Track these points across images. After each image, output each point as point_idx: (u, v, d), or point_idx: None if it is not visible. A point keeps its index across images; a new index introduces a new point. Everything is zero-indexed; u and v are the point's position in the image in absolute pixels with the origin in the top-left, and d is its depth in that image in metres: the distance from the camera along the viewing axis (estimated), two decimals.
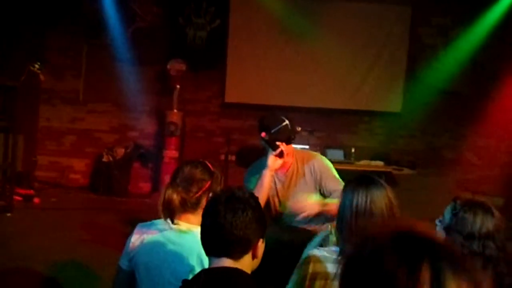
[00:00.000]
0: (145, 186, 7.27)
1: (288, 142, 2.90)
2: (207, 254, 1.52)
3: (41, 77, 5.44)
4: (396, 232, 0.81)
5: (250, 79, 7.20)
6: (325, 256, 1.72)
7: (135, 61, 7.03)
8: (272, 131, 2.87)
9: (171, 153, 6.80)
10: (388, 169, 6.43)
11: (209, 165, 1.99)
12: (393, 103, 7.35)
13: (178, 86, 6.90)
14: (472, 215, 1.77)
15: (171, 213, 1.87)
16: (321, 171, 2.94)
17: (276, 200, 3.02)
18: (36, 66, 5.30)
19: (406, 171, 6.55)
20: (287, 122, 2.90)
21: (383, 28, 7.23)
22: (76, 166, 7.29)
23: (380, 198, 1.69)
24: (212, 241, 1.49)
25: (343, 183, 2.72)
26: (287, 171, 2.98)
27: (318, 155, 3.07)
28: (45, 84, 6.91)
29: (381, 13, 7.22)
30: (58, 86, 7.25)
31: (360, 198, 1.70)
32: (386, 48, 7.24)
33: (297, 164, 2.99)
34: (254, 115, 7.31)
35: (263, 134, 2.89)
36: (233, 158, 6.97)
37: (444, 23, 7.24)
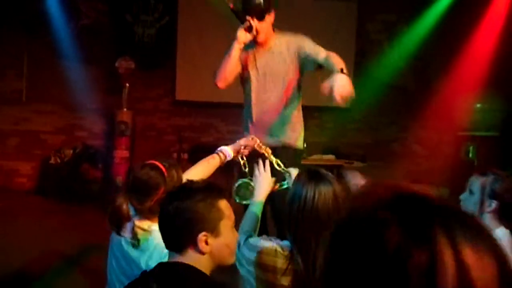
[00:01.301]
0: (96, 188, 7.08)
1: (260, 17, 2.93)
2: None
3: None
4: (394, 195, 0.63)
5: (201, 76, 7.13)
6: (276, 251, 1.74)
7: (82, 59, 6.81)
8: (244, 2, 2.93)
9: (121, 153, 6.65)
10: (340, 162, 6.57)
11: (161, 167, 1.90)
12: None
13: (127, 85, 6.76)
14: None
15: (118, 223, 1.80)
16: (300, 40, 3.09)
17: (254, 73, 3.13)
18: None
19: (356, 164, 6.70)
20: (254, 2, 2.91)
21: (331, 24, 7.35)
22: (22, 169, 7.01)
23: (327, 195, 1.72)
24: (161, 232, 1.45)
25: (325, 51, 2.98)
26: (266, 47, 3.09)
27: (300, 35, 3.16)
28: None
29: (328, 10, 7.35)
30: None
31: (309, 194, 1.72)
32: (334, 44, 7.26)
33: (278, 42, 3.11)
34: (205, 112, 7.30)
35: (231, 4, 2.96)
36: (186, 156, 6.91)
37: (389, 19, 7.47)
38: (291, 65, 3.12)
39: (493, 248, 0.59)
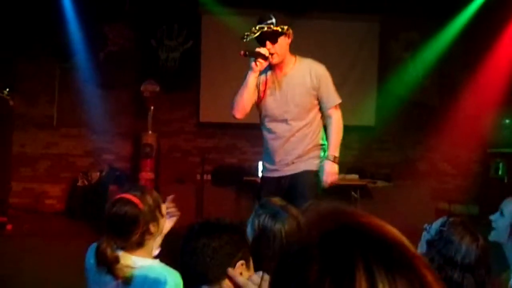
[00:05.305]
0: None
1: (273, 40, 3.01)
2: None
3: (11, 102, 5.42)
4: (327, 227, 0.63)
5: (224, 98, 7.17)
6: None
7: (109, 84, 7.05)
8: (258, 24, 3.04)
9: (146, 175, 6.76)
10: (363, 182, 6.48)
11: (134, 200, 1.84)
12: (367, 116, 7.45)
13: (152, 108, 6.91)
14: (458, 239, 1.71)
15: (109, 267, 1.75)
16: (321, 76, 3.12)
17: (273, 98, 3.17)
18: (5, 92, 5.29)
19: (380, 183, 6.61)
20: (267, 23, 3.01)
21: (353, 44, 7.38)
22: (51, 191, 7.22)
23: (290, 231, 1.67)
24: (184, 267, 1.48)
25: (340, 100, 3.20)
26: (285, 71, 3.15)
27: (323, 66, 3.20)
28: (18, 110, 6.89)
29: (350, 30, 7.38)
30: (31, 111, 7.21)
31: (271, 235, 1.67)
32: (357, 63, 7.37)
33: (298, 66, 3.15)
34: (229, 134, 7.38)
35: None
36: (209, 177, 6.96)
37: (412, 37, 7.43)
38: (311, 89, 3.13)
39: (414, 279, 0.59)
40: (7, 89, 5.28)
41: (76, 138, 7.26)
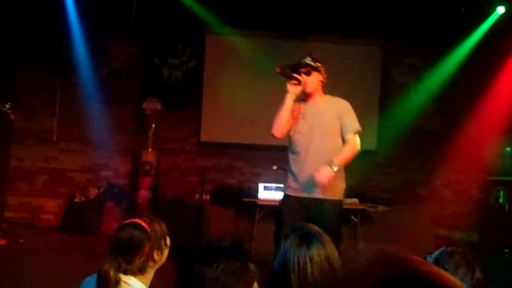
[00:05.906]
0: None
1: (307, 73, 3.42)
2: None
3: (12, 116, 5.41)
4: (386, 275, 0.61)
5: (226, 118, 7.22)
6: None
7: (110, 100, 7.03)
8: (290, 65, 3.46)
9: (145, 193, 6.71)
10: (363, 206, 6.42)
11: (143, 224, 1.88)
12: (368, 141, 7.39)
13: (153, 125, 6.90)
14: (452, 269, 1.67)
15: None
16: (345, 108, 3.47)
17: (303, 124, 3.44)
18: (7, 106, 5.27)
19: (380, 208, 6.54)
20: (305, 60, 3.47)
21: (355, 69, 7.39)
22: (48, 206, 7.14)
23: (320, 262, 1.57)
24: None
25: (360, 129, 3.42)
26: (316, 103, 3.47)
27: (349, 105, 3.52)
28: (18, 123, 6.87)
29: (353, 54, 7.40)
30: (31, 125, 7.18)
31: (301, 262, 1.57)
32: (359, 87, 7.37)
33: (328, 100, 3.51)
34: (229, 153, 7.34)
35: (277, 69, 3.38)
36: (208, 197, 6.90)
37: (414, 63, 7.45)
38: (336, 117, 3.42)
39: None
40: (9, 103, 5.27)
41: (75, 153, 7.21)
